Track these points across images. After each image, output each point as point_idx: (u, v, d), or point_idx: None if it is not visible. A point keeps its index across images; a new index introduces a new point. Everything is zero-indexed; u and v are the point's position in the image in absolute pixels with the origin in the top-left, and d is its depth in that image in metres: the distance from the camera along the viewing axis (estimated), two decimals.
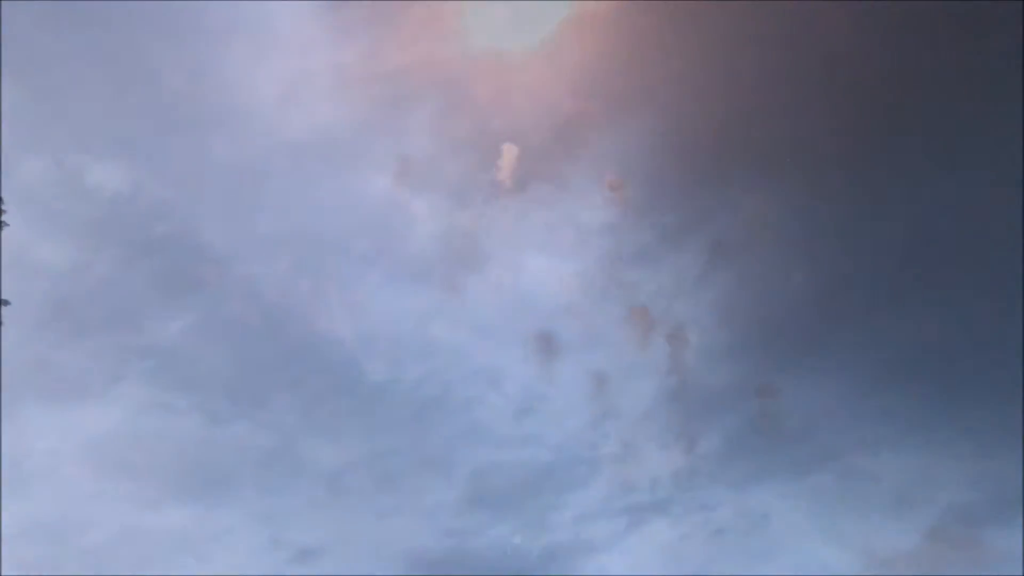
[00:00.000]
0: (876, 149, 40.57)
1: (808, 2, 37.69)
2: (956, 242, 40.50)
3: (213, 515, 40.40)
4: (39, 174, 39.08)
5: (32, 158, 38.57)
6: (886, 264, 41.22)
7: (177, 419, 40.71)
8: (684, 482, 42.15)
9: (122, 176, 40.47)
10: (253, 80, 41.71)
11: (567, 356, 42.78)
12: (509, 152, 40.13)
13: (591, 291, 42.44)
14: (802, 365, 42.29)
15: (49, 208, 39.35)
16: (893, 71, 39.09)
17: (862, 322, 42.05)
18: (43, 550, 36.19)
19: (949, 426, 41.34)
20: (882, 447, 42.07)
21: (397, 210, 42.96)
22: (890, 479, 41.67)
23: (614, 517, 41.75)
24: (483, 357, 43.05)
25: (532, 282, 42.25)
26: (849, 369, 42.16)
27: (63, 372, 39.88)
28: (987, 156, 39.30)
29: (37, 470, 38.22)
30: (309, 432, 41.36)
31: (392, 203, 42.91)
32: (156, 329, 40.96)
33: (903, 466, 41.77)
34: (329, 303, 42.90)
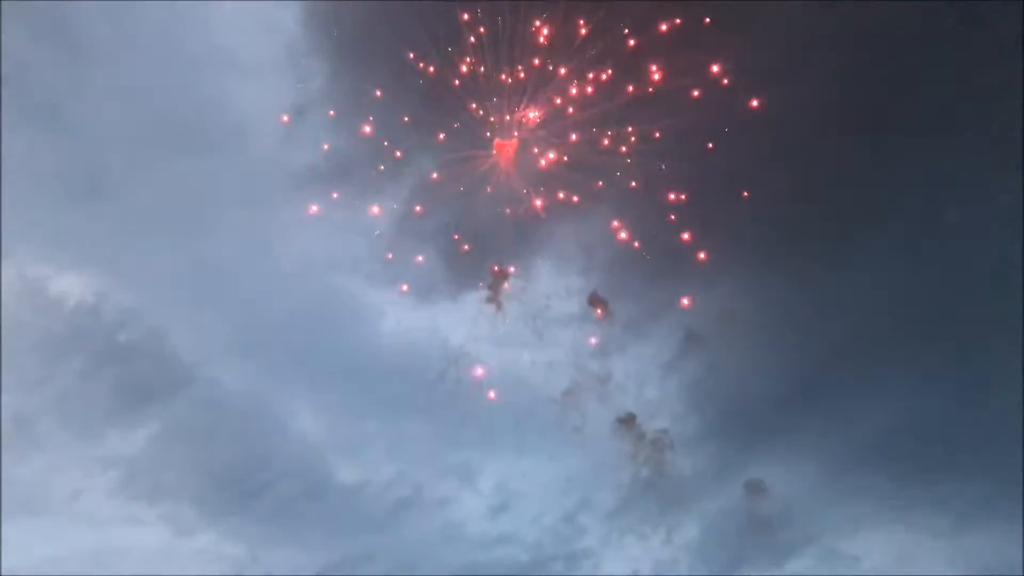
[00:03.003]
0: (842, 230, 41.37)
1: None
2: (925, 321, 40.91)
3: None
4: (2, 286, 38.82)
5: None
6: (855, 345, 41.60)
7: (143, 531, 39.98)
8: (664, 573, 41.78)
9: (85, 286, 40.60)
10: (218, 183, 42.07)
11: (539, 450, 42.56)
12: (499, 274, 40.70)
13: (561, 383, 42.38)
14: (775, 449, 42.46)
15: (11, 320, 39.01)
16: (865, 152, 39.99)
17: (832, 403, 42.30)
18: None
19: (924, 502, 41.47)
20: (859, 527, 42.00)
21: (364, 310, 43.09)
22: (871, 560, 41.47)
23: None
24: (455, 454, 42.82)
25: (498, 375, 42.07)
26: (821, 450, 42.28)
27: (22, 487, 38.73)
28: (957, 234, 40.08)
29: None
30: (278, 540, 40.67)
31: (360, 303, 43.10)
32: (119, 439, 40.38)
33: (882, 546, 41.64)
34: (296, 407, 42.69)
